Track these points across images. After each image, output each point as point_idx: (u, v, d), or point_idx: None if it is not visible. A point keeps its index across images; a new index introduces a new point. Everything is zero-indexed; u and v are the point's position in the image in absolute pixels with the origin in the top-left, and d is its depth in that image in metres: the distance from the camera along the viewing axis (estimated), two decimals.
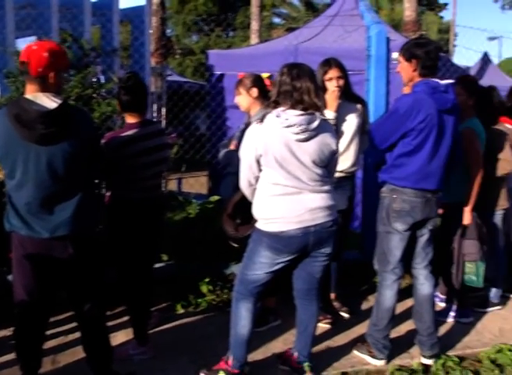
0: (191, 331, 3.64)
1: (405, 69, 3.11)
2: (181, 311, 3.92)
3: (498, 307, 4.11)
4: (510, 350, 3.37)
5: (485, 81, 13.00)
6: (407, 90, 3.19)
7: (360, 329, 3.46)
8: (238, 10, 25.34)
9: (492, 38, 15.31)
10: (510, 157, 3.83)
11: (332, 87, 3.47)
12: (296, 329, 3.08)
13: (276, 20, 30.58)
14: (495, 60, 20.41)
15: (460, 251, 3.58)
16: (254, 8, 15.20)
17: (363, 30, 4.44)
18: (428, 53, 3.00)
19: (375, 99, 4.01)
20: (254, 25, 15.68)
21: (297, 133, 2.64)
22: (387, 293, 3.21)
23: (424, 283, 3.27)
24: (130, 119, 3.15)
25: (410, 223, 3.11)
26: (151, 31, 6.57)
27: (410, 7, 12.76)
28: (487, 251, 3.60)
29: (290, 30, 12.69)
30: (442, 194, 3.30)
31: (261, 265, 2.81)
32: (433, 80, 3.02)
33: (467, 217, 3.54)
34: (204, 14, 24.22)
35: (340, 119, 3.52)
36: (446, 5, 36.44)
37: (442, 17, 35.63)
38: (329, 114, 3.38)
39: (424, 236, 3.22)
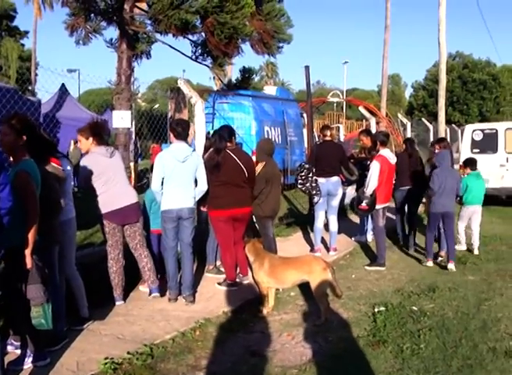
0: None
1: None
2: None
3: (66, 340, 4.17)
4: None
5: (64, 113, 13.40)
6: None
7: None
8: None
9: (71, 70, 16.01)
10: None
11: None
12: None
13: None
14: (75, 93, 21.26)
15: (25, 296, 3.49)
16: None
17: None
18: None
19: None
20: None
21: None
22: None
23: None
24: None
25: None
26: None
27: None
28: (51, 291, 3.62)
29: None
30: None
31: None
32: None
33: (28, 261, 3.44)
34: None
35: None
36: (27, 32, 35.95)
37: (23, 45, 35.00)
38: None
39: None
